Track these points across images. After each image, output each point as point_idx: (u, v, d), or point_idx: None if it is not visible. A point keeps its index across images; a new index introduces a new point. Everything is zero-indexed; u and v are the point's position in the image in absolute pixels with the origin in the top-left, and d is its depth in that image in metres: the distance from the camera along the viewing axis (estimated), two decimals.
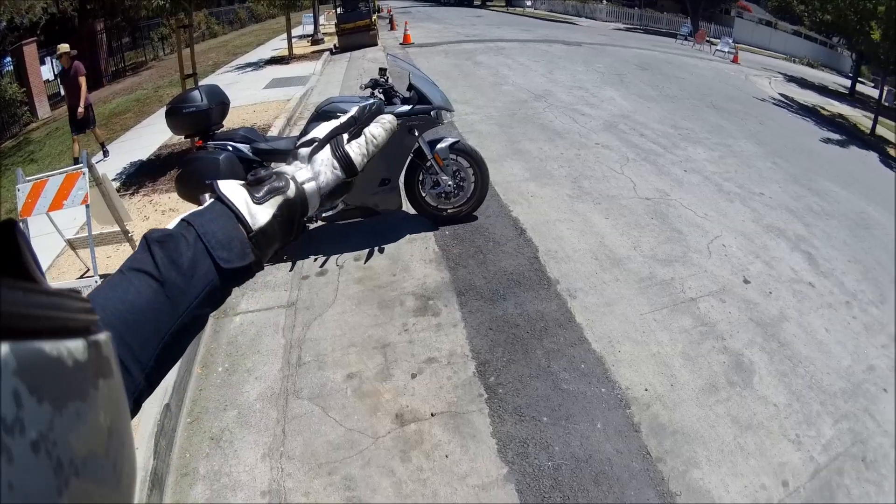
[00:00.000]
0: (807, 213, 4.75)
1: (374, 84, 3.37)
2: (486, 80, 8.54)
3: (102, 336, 0.25)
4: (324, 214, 3.44)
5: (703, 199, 4.57)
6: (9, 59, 12.38)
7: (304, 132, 3.36)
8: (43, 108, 12.22)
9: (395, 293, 3.12)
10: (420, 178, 3.60)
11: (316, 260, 3.50)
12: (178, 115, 3.17)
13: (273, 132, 6.35)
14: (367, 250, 3.54)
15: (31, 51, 12.24)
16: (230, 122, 7.14)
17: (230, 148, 3.20)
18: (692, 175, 5.06)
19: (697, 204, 4.42)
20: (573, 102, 7.17)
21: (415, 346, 2.77)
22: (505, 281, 3.20)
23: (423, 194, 3.65)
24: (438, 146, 3.51)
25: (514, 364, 2.67)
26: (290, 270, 3.43)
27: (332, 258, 3.50)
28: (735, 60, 16.51)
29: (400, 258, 3.46)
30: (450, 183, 3.59)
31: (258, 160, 3.29)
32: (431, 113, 3.38)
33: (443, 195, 3.67)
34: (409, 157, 3.50)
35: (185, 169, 3.12)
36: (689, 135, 6.35)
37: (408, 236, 3.69)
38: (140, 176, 5.61)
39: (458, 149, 3.59)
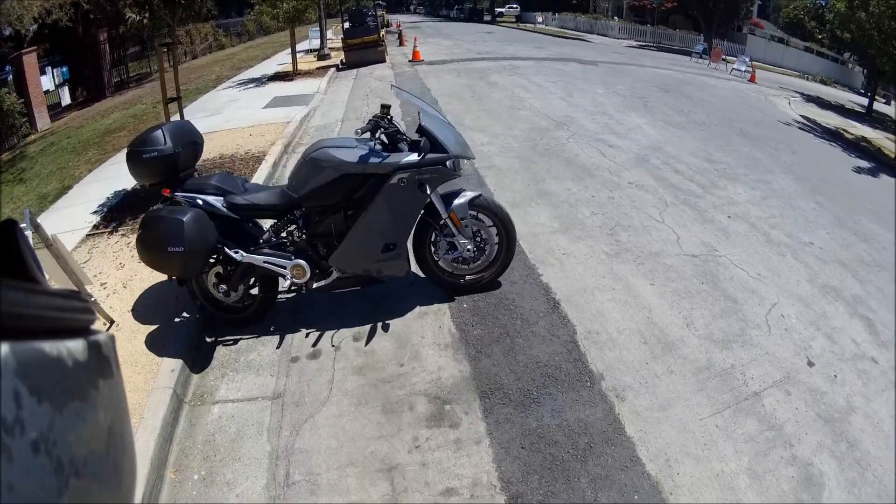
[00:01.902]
0: (859, 266, 4.19)
1: (374, 125, 2.74)
2: (502, 103, 8.02)
3: (102, 336, 0.26)
4: (315, 284, 2.87)
5: (752, 253, 3.99)
6: (8, 67, 12.03)
7: (292, 179, 2.78)
8: (42, 120, 11.91)
9: (402, 392, 2.54)
10: (433, 240, 3.02)
11: (308, 335, 2.93)
12: (137, 161, 2.64)
13: (268, 161, 5.77)
14: (368, 326, 2.96)
15: (30, 60, 11.94)
16: (225, 147, 6.53)
17: (200, 202, 2.66)
18: (738, 223, 4.48)
19: (748, 261, 3.84)
20: (598, 131, 6.62)
21: (429, 470, 2.18)
22: (538, 376, 2.61)
23: (437, 259, 3.07)
24: (455, 202, 2.93)
25: (554, 498, 2.09)
26: (277, 348, 2.87)
27: (327, 334, 2.93)
28: (752, 80, 16.05)
29: (408, 340, 2.87)
30: (469, 247, 3.00)
31: (235, 216, 2.74)
32: (447, 163, 2.80)
33: (460, 260, 3.08)
34: (420, 216, 2.92)
35: (145, 230, 2.56)
36: (726, 170, 5.78)
37: (418, 309, 3.10)
38: (122, 210, 5.01)
39: (480, 205, 3.00)
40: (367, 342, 2.88)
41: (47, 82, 12.55)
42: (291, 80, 10.69)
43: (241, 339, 2.95)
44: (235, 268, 2.82)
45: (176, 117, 5.32)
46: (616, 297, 3.26)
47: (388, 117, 2.83)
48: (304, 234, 2.82)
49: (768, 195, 5.28)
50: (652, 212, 4.42)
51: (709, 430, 2.42)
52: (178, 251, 2.46)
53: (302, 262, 2.76)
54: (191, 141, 2.82)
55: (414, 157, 2.73)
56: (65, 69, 13.60)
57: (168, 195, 2.72)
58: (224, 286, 2.82)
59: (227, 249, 2.71)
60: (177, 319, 3.01)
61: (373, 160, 2.68)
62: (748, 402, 2.58)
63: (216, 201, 2.67)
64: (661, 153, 6.01)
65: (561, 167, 5.27)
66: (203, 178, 2.88)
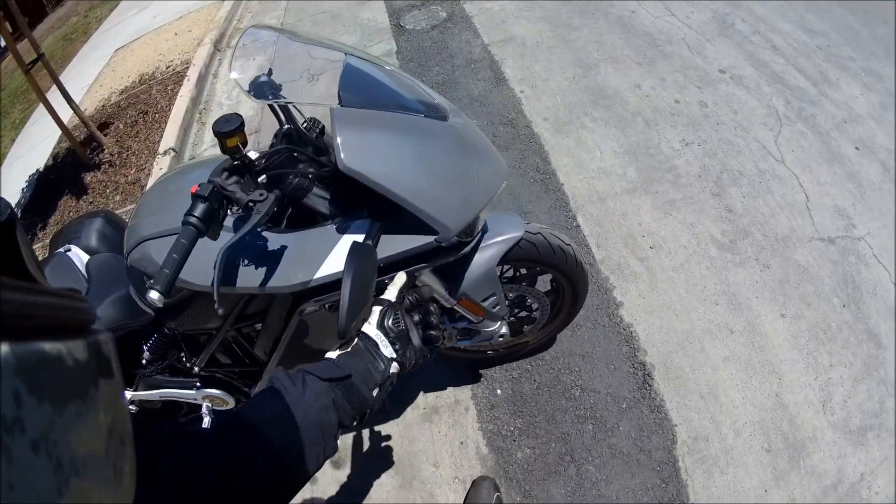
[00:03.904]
0: None
1: (288, 138, 1.29)
2: None
3: (103, 336, 0.25)
4: None
5: (890, 227, 2.66)
6: None
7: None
8: None
9: None
10: (441, 325, 1.54)
11: None
12: None
13: (190, 80, 4.31)
14: (351, 440, 1.81)
15: None
16: (146, 61, 5.13)
17: None
18: (867, 161, 3.03)
19: (890, 249, 2.55)
20: None
21: None
22: None
23: (444, 345, 1.73)
24: (471, 274, 1.43)
25: None
26: None
27: None
28: None
29: (415, 473, 1.76)
30: (502, 331, 1.63)
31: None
32: (436, 240, 1.21)
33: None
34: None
35: None
36: (830, 49, 4.04)
37: (422, 399, 1.88)
38: (36, 206, 3.80)
39: (520, 258, 1.51)
40: (352, 472, 1.62)
41: None
42: None
43: None
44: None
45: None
46: (735, 352, 1.99)
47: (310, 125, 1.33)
48: (195, 363, 1.66)
49: (886, 101, 3.72)
50: (764, 137, 2.84)
51: None
52: None
53: (217, 391, 1.69)
54: None
55: (339, 263, 1.19)
56: None
57: None
58: None
59: None
60: None
61: (240, 276, 1.24)
62: None
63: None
64: (743, 10, 4.08)
65: (615, 36, 3.33)
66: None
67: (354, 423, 0.77)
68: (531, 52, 3.19)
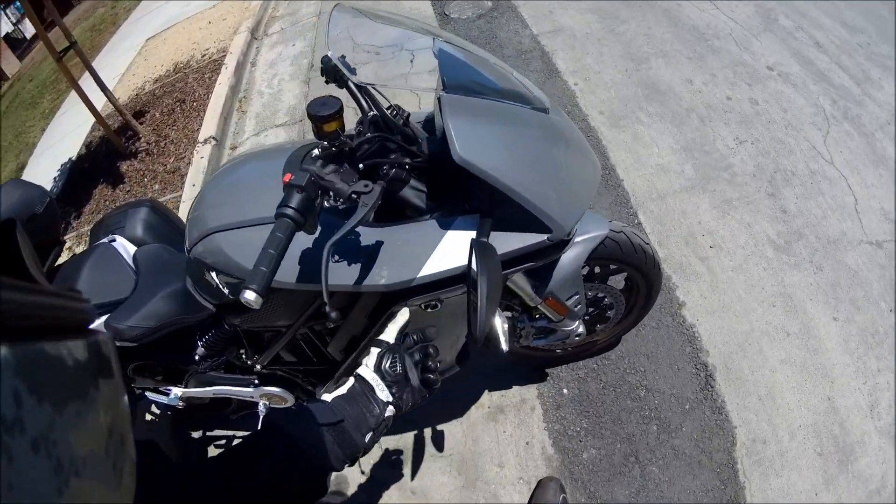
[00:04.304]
0: None
1: (375, 125, 1.16)
2: None
3: (102, 336, 0.25)
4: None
5: None
6: None
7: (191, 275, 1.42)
8: (10, 65, 10.44)
9: None
10: (518, 324, 1.65)
11: None
12: None
13: (228, 68, 4.19)
14: (412, 437, 1.80)
15: None
16: (179, 50, 4.96)
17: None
18: None
19: None
20: None
21: None
22: None
23: (518, 344, 1.72)
24: (557, 274, 1.39)
25: None
26: None
27: None
28: None
29: (478, 473, 1.76)
30: (579, 330, 1.63)
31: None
32: (548, 238, 1.15)
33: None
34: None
35: None
36: (870, 47, 4.01)
37: (487, 398, 1.89)
38: (69, 195, 3.73)
39: (604, 256, 1.51)
40: (414, 472, 1.59)
41: (5, 26, 11.21)
42: None
43: None
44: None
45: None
46: (792, 354, 2.04)
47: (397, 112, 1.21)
48: (258, 360, 1.57)
49: None
50: (814, 136, 2.86)
51: None
52: None
53: (276, 389, 1.61)
54: (27, 217, 1.56)
55: (445, 261, 1.13)
56: (17, 3, 10.30)
57: None
58: None
59: (148, 394, 1.73)
60: None
61: (345, 275, 1.16)
62: None
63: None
64: (786, 5, 4.05)
65: (664, 29, 3.31)
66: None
67: (346, 466, 0.76)
68: (581, 44, 3.17)
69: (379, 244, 1.12)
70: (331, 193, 0.98)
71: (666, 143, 2.60)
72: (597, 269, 1.65)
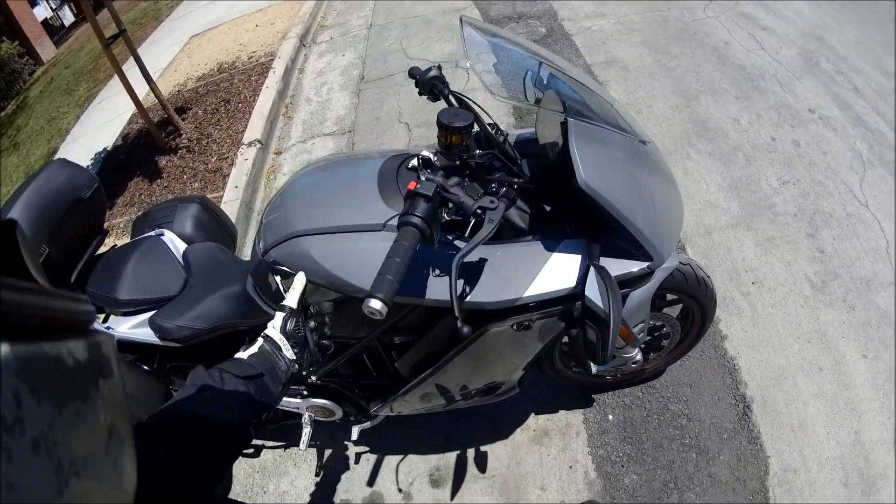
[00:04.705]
0: None
1: (477, 142, 1.16)
2: None
3: (103, 336, 0.25)
4: (356, 430, 1.76)
5: None
6: None
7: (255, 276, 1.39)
8: (46, 50, 10.92)
9: None
10: (563, 348, 1.74)
11: (360, 464, 1.79)
12: None
13: (276, 72, 4.19)
14: (454, 457, 1.90)
15: None
16: (225, 51, 4.84)
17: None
18: None
19: None
20: None
21: None
22: None
23: (570, 370, 1.84)
24: (631, 300, 1.39)
25: None
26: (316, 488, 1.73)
27: (389, 466, 1.90)
28: None
29: (521, 494, 1.83)
30: (637, 358, 1.70)
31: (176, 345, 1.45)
32: (648, 266, 1.23)
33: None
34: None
35: None
36: None
37: (533, 421, 2.00)
38: (103, 184, 3.47)
39: (669, 287, 1.61)
40: (455, 492, 1.74)
41: (43, 11, 11.65)
42: None
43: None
44: None
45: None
46: (823, 389, 2.20)
47: (500, 132, 1.21)
48: (313, 371, 1.47)
49: None
50: (851, 180, 3.02)
51: None
52: None
53: (325, 401, 1.59)
54: (73, 200, 1.51)
55: (551, 282, 1.15)
56: None
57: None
58: None
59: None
60: None
61: (435, 289, 1.15)
62: None
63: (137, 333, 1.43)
64: (826, 49, 4.19)
65: (712, 67, 3.48)
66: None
67: (264, 417, 0.83)
68: (634, 77, 3.34)
69: (483, 261, 1.14)
70: (450, 206, 0.97)
71: (714, 179, 2.78)
72: (655, 300, 1.79)
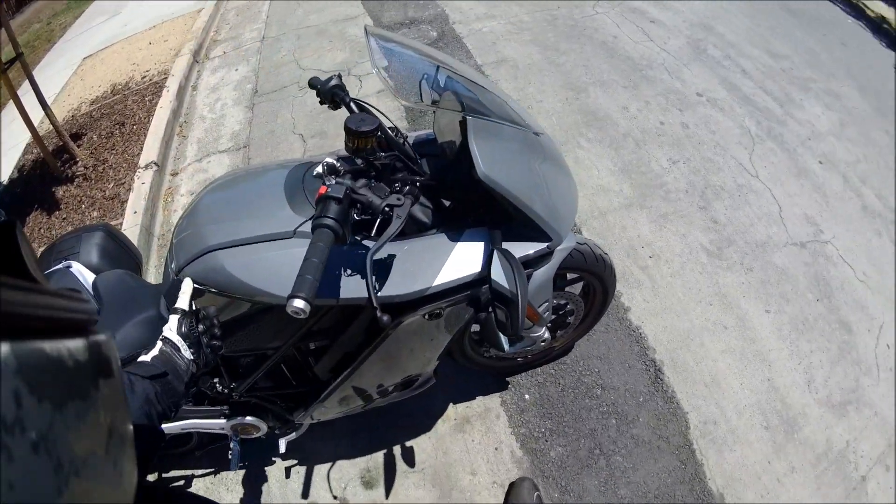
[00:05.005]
0: None
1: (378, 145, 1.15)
2: None
3: (103, 336, 0.25)
4: (283, 441, 1.70)
5: (853, 232, 3.00)
6: None
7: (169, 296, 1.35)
8: None
9: None
10: (473, 336, 1.78)
11: (290, 475, 1.69)
12: None
13: (170, 90, 4.04)
14: (382, 455, 1.81)
15: None
16: (119, 71, 4.60)
17: None
18: (830, 174, 3.36)
19: (852, 249, 2.88)
20: None
21: None
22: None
23: (479, 355, 1.86)
24: (533, 281, 1.42)
25: None
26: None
27: (320, 473, 1.81)
28: None
29: (453, 482, 1.80)
30: (545, 337, 1.72)
31: None
32: (548, 247, 1.33)
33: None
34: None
35: None
36: (793, 72, 4.41)
37: (453, 410, 1.96)
38: None
39: (569, 266, 1.63)
40: (388, 490, 1.68)
41: None
42: None
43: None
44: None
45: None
46: (731, 345, 2.23)
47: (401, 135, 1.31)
48: (234, 389, 1.49)
49: (845, 119, 4.08)
50: (740, 155, 3.13)
51: None
52: None
53: (248, 418, 1.55)
54: None
55: (457, 270, 1.21)
56: None
57: None
58: None
59: None
60: None
61: (349, 289, 1.18)
62: (856, 493, 1.92)
63: None
64: (715, 36, 4.43)
65: (601, 60, 3.60)
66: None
67: (172, 414, 0.85)
68: (524, 75, 3.41)
69: (391, 257, 1.18)
70: (359, 206, 1.03)
71: (605, 165, 2.82)
72: (557, 280, 1.78)
